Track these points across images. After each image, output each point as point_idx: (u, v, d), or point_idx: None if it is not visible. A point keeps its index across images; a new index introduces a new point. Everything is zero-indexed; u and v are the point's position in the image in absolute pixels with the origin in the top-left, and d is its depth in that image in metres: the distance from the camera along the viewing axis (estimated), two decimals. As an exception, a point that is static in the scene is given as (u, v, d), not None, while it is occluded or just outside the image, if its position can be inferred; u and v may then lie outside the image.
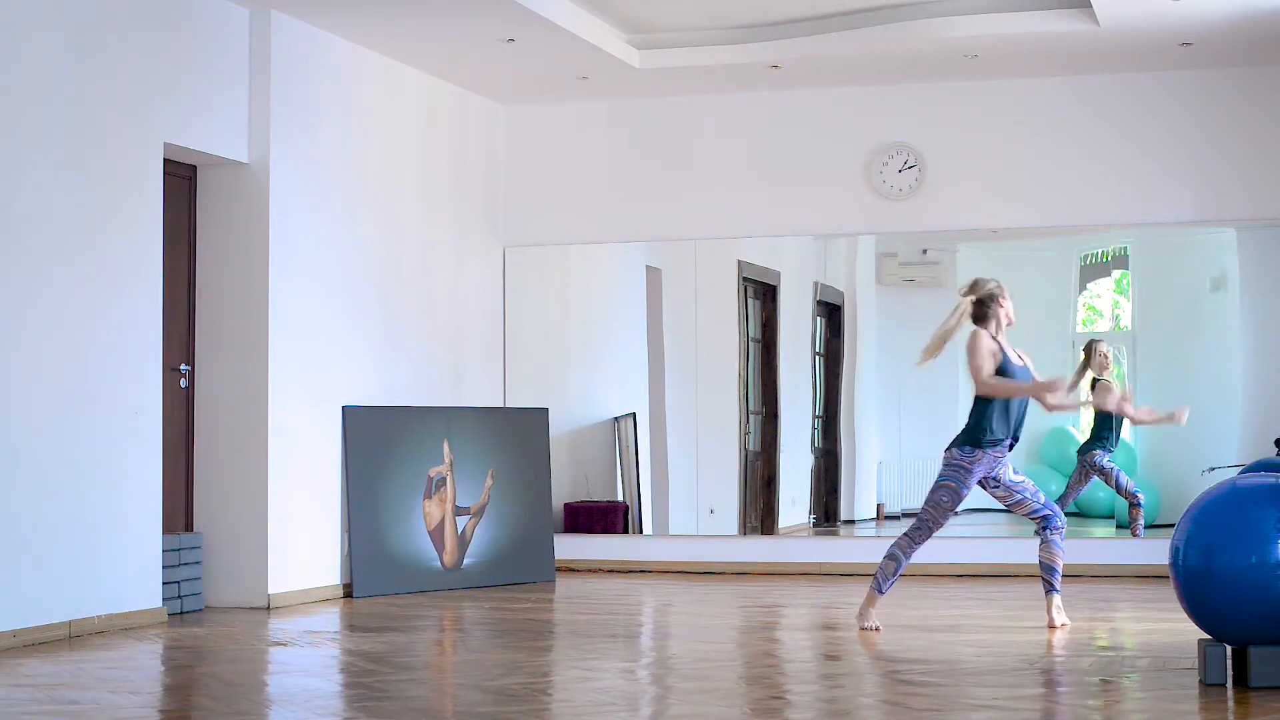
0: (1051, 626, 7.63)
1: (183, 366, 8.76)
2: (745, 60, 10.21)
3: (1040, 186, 10.62)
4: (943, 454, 7.62)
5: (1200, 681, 5.87)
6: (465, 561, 9.99)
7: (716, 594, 9.57)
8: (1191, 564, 5.80)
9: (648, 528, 11.46)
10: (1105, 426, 10.70)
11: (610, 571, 10.96)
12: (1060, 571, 7.69)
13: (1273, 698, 5.58)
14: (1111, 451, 10.71)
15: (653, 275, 11.74)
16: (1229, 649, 5.86)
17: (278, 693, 6.16)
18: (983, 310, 7.70)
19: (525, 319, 11.47)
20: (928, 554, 10.66)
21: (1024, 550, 10.67)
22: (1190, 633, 6.74)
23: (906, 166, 10.79)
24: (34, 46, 7.45)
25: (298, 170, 9.10)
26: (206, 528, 8.79)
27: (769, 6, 9.81)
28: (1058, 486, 11.31)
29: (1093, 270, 11.60)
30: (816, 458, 11.95)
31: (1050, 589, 7.69)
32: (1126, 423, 10.55)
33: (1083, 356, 10.73)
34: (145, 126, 8.13)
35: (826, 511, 11.89)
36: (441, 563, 9.86)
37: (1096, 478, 10.72)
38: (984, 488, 7.69)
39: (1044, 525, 7.69)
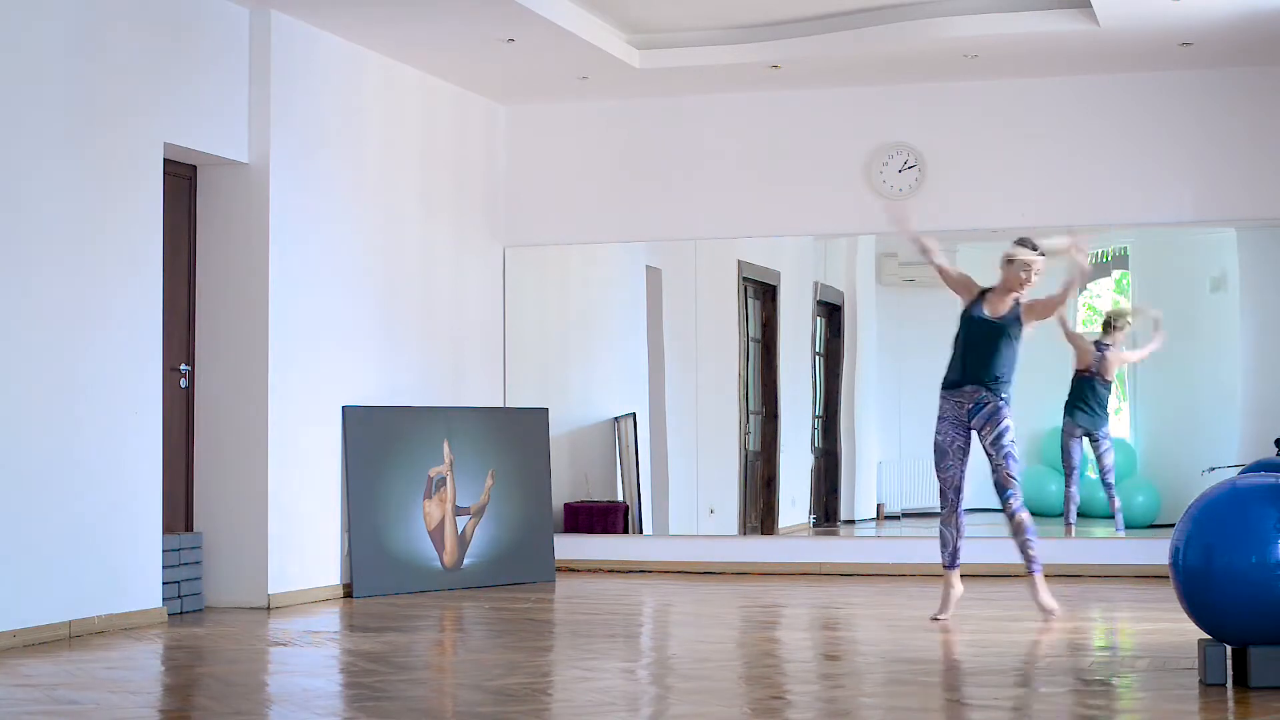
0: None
1: (183, 366, 8.76)
2: (745, 60, 10.21)
3: (1040, 186, 10.61)
4: None
5: (1200, 681, 5.87)
6: (465, 561, 9.99)
7: (716, 594, 9.57)
8: (1191, 564, 5.81)
9: (648, 528, 11.46)
10: (1084, 392, 10.85)
11: (610, 571, 10.96)
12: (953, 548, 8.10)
13: (1273, 698, 5.58)
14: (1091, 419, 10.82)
15: (653, 275, 11.74)
16: (1229, 649, 5.86)
17: (278, 693, 6.17)
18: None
19: (525, 319, 11.47)
20: (928, 554, 10.70)
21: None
22: (1190, 633, 6.74)
23: (906, 166, 10.79)
24: (34, 46, 7.45)
25: (298, 170, 9.10)
26: (206, 528, 8.79)
27: (769, 6, 9.81)
28: (1057, 487, 11.30)
29: (1093, 270, 11.59)
30: (816, 458, 11.95)
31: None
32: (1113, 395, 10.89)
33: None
34: (145, 126, 8.13)
35: (826, 511, 11.90)
36: (441, 563, 9.86)
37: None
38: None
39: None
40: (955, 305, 8.31)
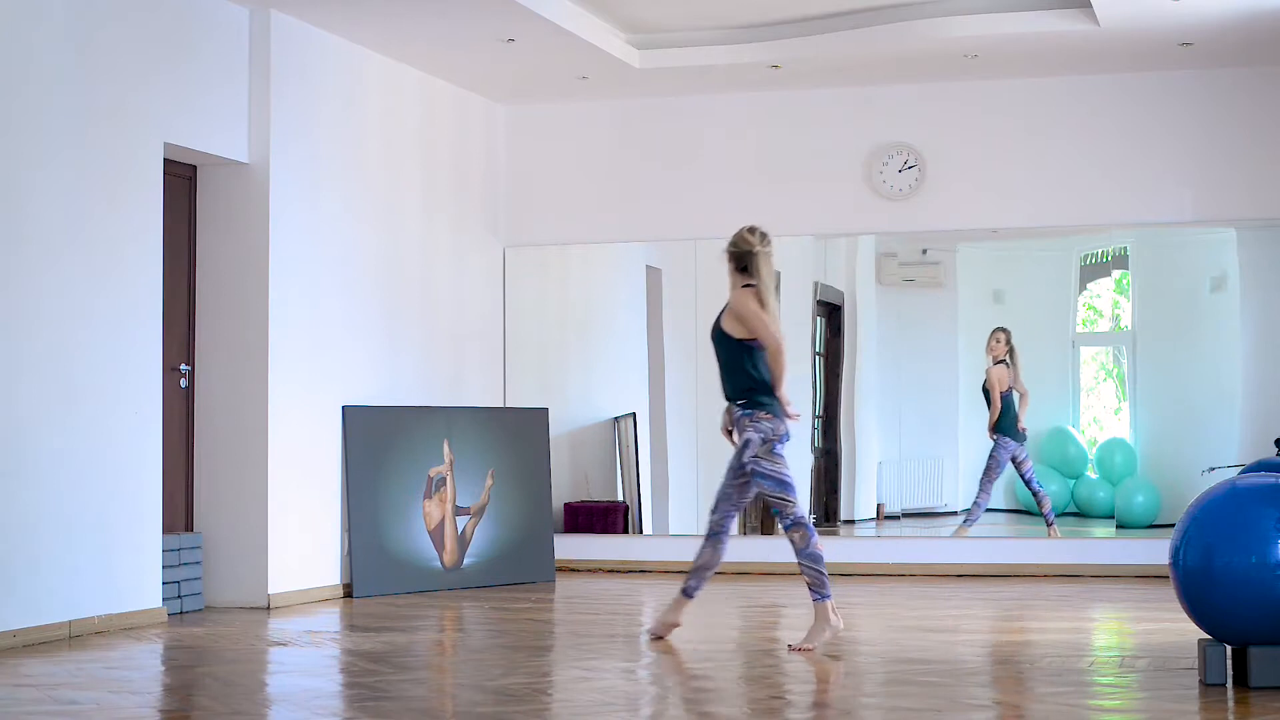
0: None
1: (183, 366, 8.76)
2: (745, 60, 10.21)
3: (1040, 186, 10.62)
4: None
5: (1200, 681, 5.88)
6: (465, 561, 9.99)
7: (716, 594, 9.57)
8: (1191, 564, 5.81)
9: (648, 528, 11.46)
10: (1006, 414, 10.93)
11: (610, 571, 10.96)
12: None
13: (1273, 698, 5.58)
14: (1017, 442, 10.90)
15: (653, 275, 11.74)
16: (1229, 649, 5.86)
17: (278, 693, 6.17)
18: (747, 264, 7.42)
19: (525, 319, 11.46)
20: (928, 554, 10.71)
21: (1024, 550, 10.68)
22: (1190, 633, 6.74)
23: (906, 166, 10.79)
24: (34, 46, 7.45)
25: (298, 170, 9.10)
26: (206, 528, 8.79)
27: (769, 6, 9.80)
28: (1059, 486, 11.30)
29: (1093, 270, 11.60)
30: (816, 458, 11.94)
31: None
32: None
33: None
34: (145, 126, 8.13)
35: (826, 511, 11.89)
36: (441, 563, 9.86)
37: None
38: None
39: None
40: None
